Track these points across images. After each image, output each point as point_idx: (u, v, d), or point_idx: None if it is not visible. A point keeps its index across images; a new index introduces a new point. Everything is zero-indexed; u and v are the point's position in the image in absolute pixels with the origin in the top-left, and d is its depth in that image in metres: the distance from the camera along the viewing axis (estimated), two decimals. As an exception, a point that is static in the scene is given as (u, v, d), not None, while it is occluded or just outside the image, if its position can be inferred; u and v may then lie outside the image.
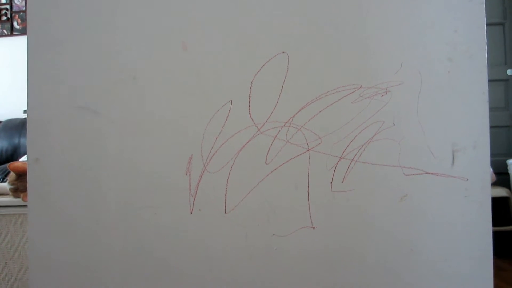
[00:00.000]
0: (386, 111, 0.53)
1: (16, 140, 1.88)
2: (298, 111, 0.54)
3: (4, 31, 2.41)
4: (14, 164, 0.78)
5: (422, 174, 0.53)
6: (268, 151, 0.54)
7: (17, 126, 1.90)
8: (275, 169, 0.53)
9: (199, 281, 0.55)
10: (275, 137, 0.54)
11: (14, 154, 1.79)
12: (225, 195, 0.54)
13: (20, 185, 0.75)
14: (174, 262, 0.55)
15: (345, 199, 0.53)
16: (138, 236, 0.55)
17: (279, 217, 0.54)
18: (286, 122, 0.54)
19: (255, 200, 0.54)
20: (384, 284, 0.54)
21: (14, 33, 2.43)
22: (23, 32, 2.36)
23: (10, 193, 0.77)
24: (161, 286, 0.56)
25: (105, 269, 0.56)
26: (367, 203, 0.53)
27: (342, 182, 0.53)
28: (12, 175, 0.78)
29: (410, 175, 0.53)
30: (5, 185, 0.78)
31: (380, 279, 0.54)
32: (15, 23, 2.43)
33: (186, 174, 0.54)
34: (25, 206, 0.70)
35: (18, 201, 0.74)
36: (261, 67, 0.54)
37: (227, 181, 0.54)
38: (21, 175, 0.74)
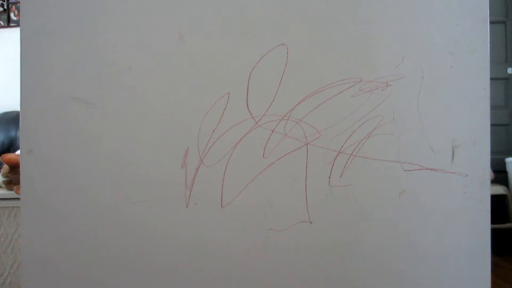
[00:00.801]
0: (386, 106, 0.52)
1: (12, 133, 1.87)
2: (297, 104, 0.53)
3: (1, 22, 2.38)
4: (7, 156, 0.77)
5: (421, 169, 0.52)
6: (266, 144, 0.53)
7: (13, 119, 1.89)
8: (273, 163, 0.53)
9: (195, 275, 0.54)
10: (273, 131, 0.53)
11: (10, 146, 1.77)
12: (222, 188, 0.53)
13: (13, 178, 0.74)
14: (169, 255, 0.54)
15: (343, 194, 0.52)
16: (134, 230, 0.55)
17: (276, 211, 0.53)
18: (285, 116, 0.53)
19: (252, 194, 0.53)
20: (382, 279, 0.53)
21: (11, 24, 2.41)
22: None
23: (3, 186, 0.76)
24: (157, 280, 0.55)
25: (100, 263, 0.55)
26: (365, 198, 0.53)
27: (340, 176, 0.52)
28: (5, 167, 0.77)
29: (409, 170, 0.52)
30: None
31: (378, 274, 0.53)
32: (12, 15, 2.41)
33: (182, 167, 0.54)
34: (18, 199, 0.69)
35: (11, 193, 0.73)
36: (260, 59, 0.53)
37: (224, 175, 0.53)
38: (15, 168, 0.73)
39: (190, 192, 0.54)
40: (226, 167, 0.53)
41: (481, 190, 0.53)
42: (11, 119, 1.90)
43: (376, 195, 0.52)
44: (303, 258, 0.53)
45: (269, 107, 0.53)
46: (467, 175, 0.53)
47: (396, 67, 0.52)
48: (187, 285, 0.54)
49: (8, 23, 2.38)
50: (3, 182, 0.75)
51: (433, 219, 0.53)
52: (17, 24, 2.38)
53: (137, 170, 0.54)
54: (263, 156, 0.53)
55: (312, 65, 0.53)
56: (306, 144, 0.53)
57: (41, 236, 0.56)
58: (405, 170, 0.52)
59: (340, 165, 0.52)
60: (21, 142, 0.58)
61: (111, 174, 0.55)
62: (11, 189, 0.74)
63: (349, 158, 0.52)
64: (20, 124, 0.58)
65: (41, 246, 0.56)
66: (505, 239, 1.93)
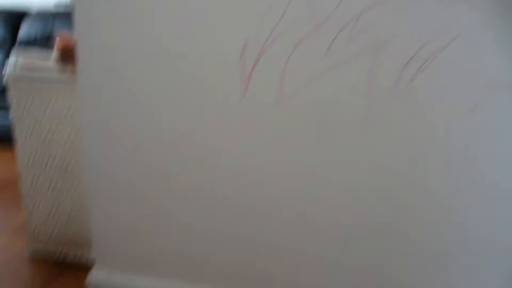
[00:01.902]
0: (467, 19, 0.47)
1: (49, 28, 1.90)
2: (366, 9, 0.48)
3: None
4: (62, 42, 0.77)
5: (499, 85, 0.48)
6: (330, 46, 0.50)
7: (50, 16, 1.92)
8: (335, 64, 0.50)
9: (247, 166, 0.57)
10: (339, 32, 0.49)
11: (48, 39, 1.81)
12: (279, 84, 0.52)
13: (66, 62, 0.75)
14: (224, 147, 0.57)
15: (408, 101, 0.50)
16: (189, 118, 0.56)
17: (335, 109, 0.53)
18: (352, 19, 0.49)
19: (310, 93, 0.52)
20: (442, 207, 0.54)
21: None
22: None
23: (58, 65, 0.76)
24: (210, 170, 0.58)
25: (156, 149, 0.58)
26: (432, 111, 0.50)
27: (410, 84, 0.49)
28: (57, 53, 0.78)
29: (485, 85, 0.48)
30: (50, 63, 0.78)
31: (441, 196, 0.54)
32: None
33: (240, 60, 0.52)
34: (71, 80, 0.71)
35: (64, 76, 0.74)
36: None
37: (284, 70, 0.52)
38: (68, 52, 0.73)
39: (247, 86, 0.53)
40: (286, 64, 0.51)
41: None
42: (47, 15, 1.91)
43: (444, 110, 0.49)
44: (362, 157, 0.54)
45: (337, 7, 0.49)
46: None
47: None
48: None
49: None
50: (57, 64, 0.76)
51: (503, 141, 0.49)
52: None
53: (193, 61, 0.54)
54: (325, 57, 0.51)
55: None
56: (374, 49, 0.49)
57: (101, 111, 0.60)
58: (480, 85, 0.48)
59: (410, 73, 0.49)
60: (76, 26, 0.57)
61: (167, 63, 0.55)
62: (65, 69, 0.75)
63: (420, 67, 0.49)
64: (74, 8, 0.56)
65: (100, 118, 0.61)
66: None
